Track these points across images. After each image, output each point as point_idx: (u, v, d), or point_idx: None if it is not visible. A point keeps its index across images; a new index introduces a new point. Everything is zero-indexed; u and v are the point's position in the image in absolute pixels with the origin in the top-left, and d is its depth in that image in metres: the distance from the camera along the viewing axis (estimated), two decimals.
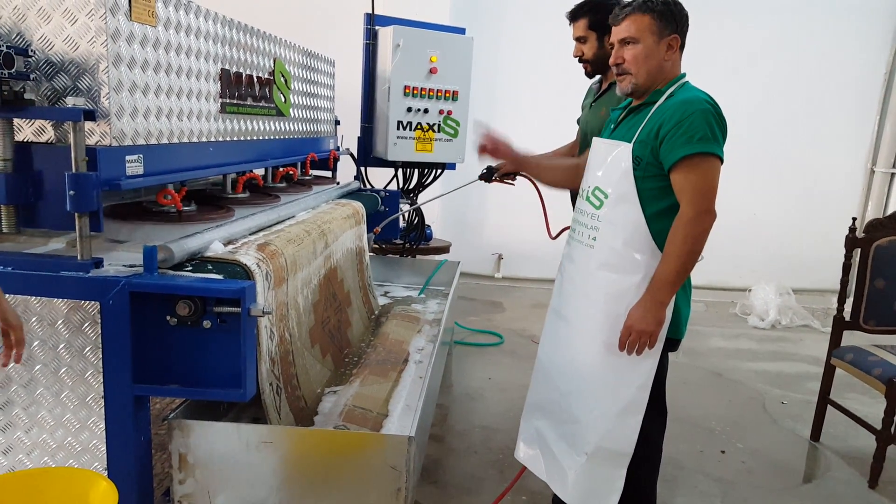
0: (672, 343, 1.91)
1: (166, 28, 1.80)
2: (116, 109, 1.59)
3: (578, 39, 2.57)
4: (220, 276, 1.69)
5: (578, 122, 2.94)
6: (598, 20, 2.49)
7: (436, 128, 3.84)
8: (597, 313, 1.91)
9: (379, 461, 1.66)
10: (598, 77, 2.79)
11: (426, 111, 3.77)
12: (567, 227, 2.45)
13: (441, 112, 3.82)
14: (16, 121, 1.57)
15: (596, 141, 2.01)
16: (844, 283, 3.06)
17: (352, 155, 4.01)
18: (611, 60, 1.96)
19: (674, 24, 1.85)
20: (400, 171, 4.10)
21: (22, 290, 1.54)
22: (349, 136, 4.06)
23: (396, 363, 2.74)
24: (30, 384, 1.59)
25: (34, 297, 1.55)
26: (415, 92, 3.71)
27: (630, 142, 1.83)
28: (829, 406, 3.08)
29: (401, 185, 4.15)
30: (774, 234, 5.99)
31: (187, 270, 1.70)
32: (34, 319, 1.56)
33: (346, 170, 4.01)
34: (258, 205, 2.50)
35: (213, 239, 1.86)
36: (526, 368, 3.87)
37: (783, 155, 5.88)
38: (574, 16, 2.57)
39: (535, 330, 4.56)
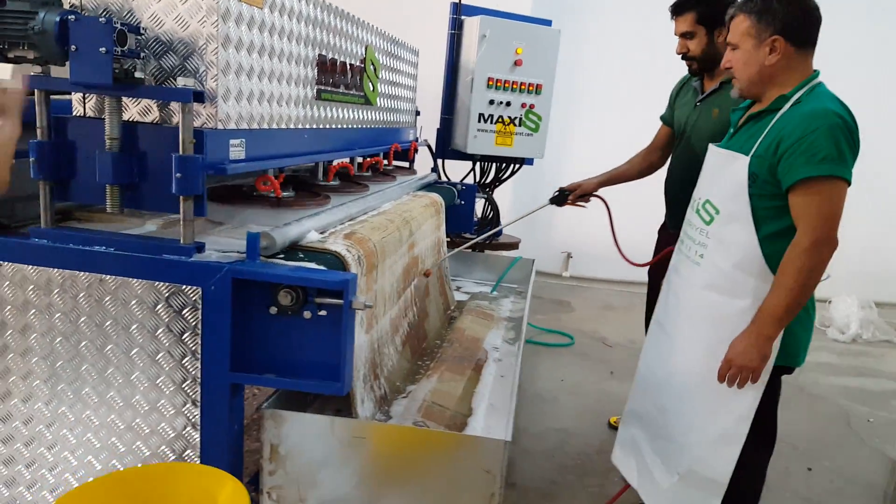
0: (787, 369, 1.76)
1: (271, 10, 1.76)
2: (223, 92, 1.56)
3: (684, 35, 2.41)
4: (318, 266, 1.64)
5: (664, 118, 2.80)
6: (708, 13, 2.34)
7: (517, 122, 3.74)
8: (699, 335, 1.78)
9: (473, 464, 1.59)
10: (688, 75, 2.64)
11: (508, 104, 3.68)
12: (663, 254, 2.32)
13: (523, 105, 3.72)
14: (123, 99, 1.55)
15: (712, 150, 1.87)
16: None
17: (429, 146, 3.94)
18: (722, 64, 1.83)
19: (775, 23, 1.66)
20: (477, 164, 4.02)
21: (123, 271, 1.53)
22: (426, 127, 4.00)
23: (473, 360, 2.67)
24: (126, 367, 1.57)
25: (135, 279, 1.53)
26: (498, 84, 3.61)
27: (748, 154, 1.68)
28: None
29: (477, 179, 4.07)
30: (857, 246, 5.65)
31: (279, 258, 1.66)
32: (134, 302, 1.54)
33: (421, 161, 3.96)
34: (349, 193, 2.46)
35: (309, 228, 1.82)
36: (599, 372, 3.78)
37: (869, 164, 5.51)
38: (679, 9, 2.41)
39: (605, 332, 4.42)
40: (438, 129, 3.94)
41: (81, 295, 1.55)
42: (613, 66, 5.45)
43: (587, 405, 3.19)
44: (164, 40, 1.53)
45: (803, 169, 1.56)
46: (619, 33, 5.37)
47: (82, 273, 1.54)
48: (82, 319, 1.57)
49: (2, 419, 1.64)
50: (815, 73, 1.71)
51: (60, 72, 1.54)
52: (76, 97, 1.59)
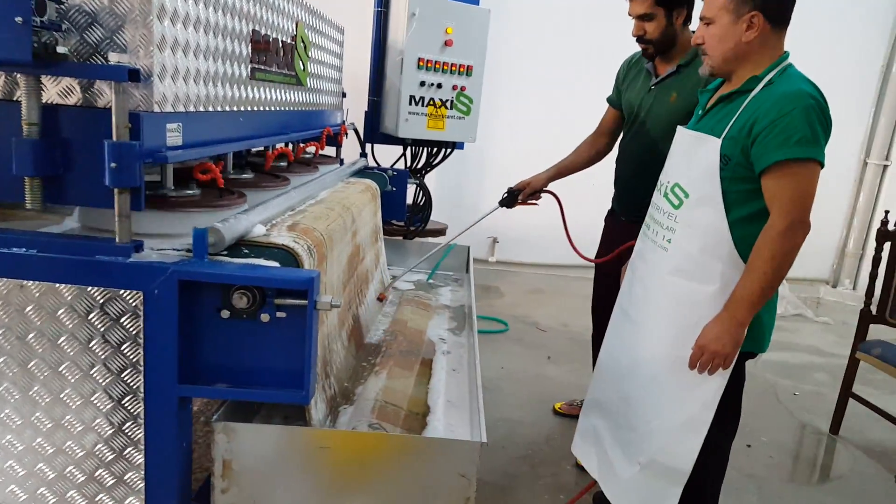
0: (751, 355, 1.79)
1: None
2: (159, 70, 1.38)
3: (641, 17, 2.38)
4: (267, 262, 1.50)
5: (611, 100, 2.79)
6: None
7: (448, 104, 3.66)
8: (666, 321, 1.78)
9: (447, 468, 1.52)
10: (638, 53, 2.63)
11: (440, 86, 3.59)
12: (625, 247, 2.32)
13: (455, 87, 3.63)
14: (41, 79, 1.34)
15: (681, 131, 1.86)
16: (874, 277, 3.02)
17: (356, 131, 3.79)
18: (692, 40, 1.81)
19: None
20: (408, 149, 3.91)
21: (49, 276, 1.33)
22: (351, 110, 3.85)
23: (419, 354, 2.59)
24: (55, 384, 1.38)
25: (63, 284, 1.34)
26: (429, 65, 3.51)
27: (719, 136, 1.67)
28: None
29: (407, 164, 3.96)
30: None
31: (223, 255, 1.51)
32: (62, 311, 1.35)
33: (346, 146, 3.80)
34: (270, 188, 2.27)
35: (254, 221, 1.67)
36: (536, 357, 3.80)
37: None
38: None
39: (537, 316, 4.46)
40: (366, 112, 3.79)
41: None
42: (537, 45, 5.46)
43: (530, 392, 3.19)
44: (87, 10, 1.33)
45: (778, 152, 1.56)
46: (541, 11, 5.37)
47: None
48: None
49: None
50: (786, 54, 1.70)
51: None
52: None
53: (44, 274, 1.33)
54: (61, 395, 1.39)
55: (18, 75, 1.27)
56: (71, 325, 1.36)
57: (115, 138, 1.28)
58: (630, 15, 2.43)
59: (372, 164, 3.84)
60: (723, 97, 1.76)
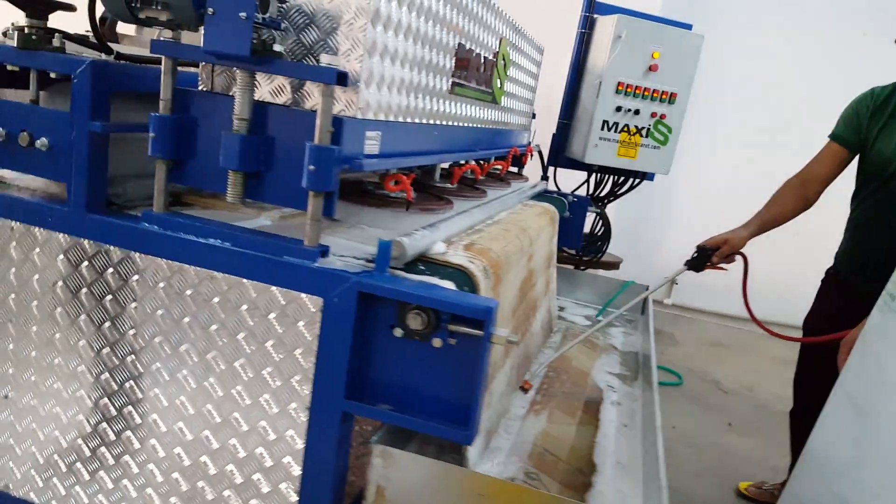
0: None
1: None
2: (366, 76, 1.35)
3: None
4: (442, 281, 1.41)
5: (840, 138, 2.37)
6: None
7: (644, 132, 3.41)
8: None
9: None
10: (890, 87, 2.23)
11: (637, 112, 3.35)
12: (833, 337, 1.94)
13: (653, 115, 3.38)
14: (256, 76, 1.36)
15: None
16: None
17: (540, 153, 3.67)
18: None
19: None
20: (593, 175, 3.71)
21: (237, 270, 1.34)
22: (539, 131, 3.73)
23: (583, 398, 2.38)
24: (228, 379, 1.39)
25: (249, 281, 1.34)
26: (628, 90, 3.30)
27: None
28: None
29: (590, 192, 3.76)
30: None
31: (399, 270, 1.44)
32: (245, 307, 1.35)
33: (529, 167, 3.69)
34: (468, 198, 2.22)
35: (436, 238, 1.59)
36: (714, 422, 3.39)
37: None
38: None
39: (717, 374, 4.02)
40: (554, 135, 3.66)
41: (189, 292, 1.38)
42: (752, 76, 5.01)
43: (707, 463, 2.83)
44: (307, 11, 1.33)
45: None
46: (756, 40, 4.92)
47: (192, 267, 1.37)
48: (186, 319, 1.39)
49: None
50: None
51: (190, 38, 1.37)
52: (205, 69, 1.41)
53: (233, 267, 1.34)
54: (232, 391, 1.39)
55: (236, 70, 1.29)
56: (252, 323, 1.35)
57: (316, 141, 1.25)
58: None
59: (552, 187, 3.69)
60: None
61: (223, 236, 1.36)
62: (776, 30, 5.02)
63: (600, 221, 3.80)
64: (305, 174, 1.26)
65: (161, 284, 1.39)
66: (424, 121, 1.76)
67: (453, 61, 1.90)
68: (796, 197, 2.41)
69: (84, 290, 1.45)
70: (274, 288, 1.32)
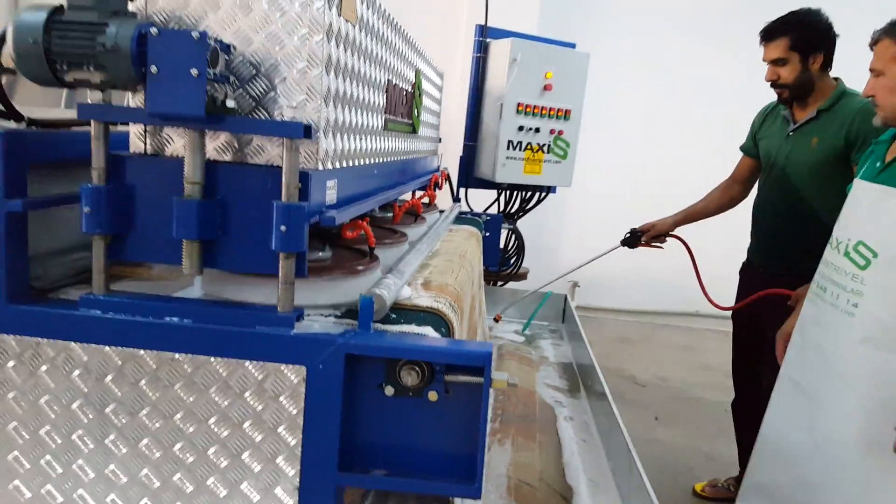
0: None
1: (360, 28, 1.49)
2: (324, 125, 1.27)
3: (775, 62, 2.25)
4: (418, 328, 1.36)
5: (746, 149, 2.68)
6: (802, 39, 2.19)
7: (545, 148, 3.52)
8: (856, 397, 1.56)
9: None
10: (773, 103, 2.49)
11: (537, 130, 3.46)
12: (764, 294, 2.18)
13: (552, 132, 3.50)
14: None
15: (862, 185, 1.67)
16: None
17: (448, 177, 3.69)
18: (864, 91, 1.67)
19: None
20: (503, 193, 3.78)
21: (203, 349, 1.21)
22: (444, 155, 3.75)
23: (536, 419, 2.40)
24: (201, 470, 1.25)
25: (217, 358, 1.22)
26: (528, 110, 3.39)
27: None
28: None
29: (501, 209, 3.83)
30: None
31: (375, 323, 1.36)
32: (215, 388, 1.22)
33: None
34: (390, 245, 2.14)
35: (401, 283, 1.53)
36: (643, 418, 3.53)
37: None
38: (770, 35, 2.25)
39: (631, 368, 4.21)
40: (461, 157, 3.69)
41: (144, 381, 1.23)
42: (631, 88, 5.35)
43: (654, 462, 2.93)
44: (253, 61, 1.24)
45: None
46: (634, 53, 5.27)
47: (146, 352, 1.22)
48: (144, 411, 1.24)
49: None
50: None
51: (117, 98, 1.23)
52: (135, 130, 1.26)
53: (198, 346, 1.22)
54: (207, 483, 1.25)
55: (182, 130, 1.17)
56: (224, 405, 1.23)
57: (284, 199, 1.16)
58: (764, 60, 2.32)
59: (464, 209, 3.71)
60: None
61: (181, 313, 1.23)
62: (641, 38, 5.40)
63: (513, 237, 3.87)
64: (275, 235, 1.17)
65: (109, 376, 1.23)
66: (366, 161, 1.70)
67: (384, 98, 1.85)
68: (721, 196, 2.76)
69: (12, 394, 1.25)
70: (248, 363, 1.21)
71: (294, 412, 1.22)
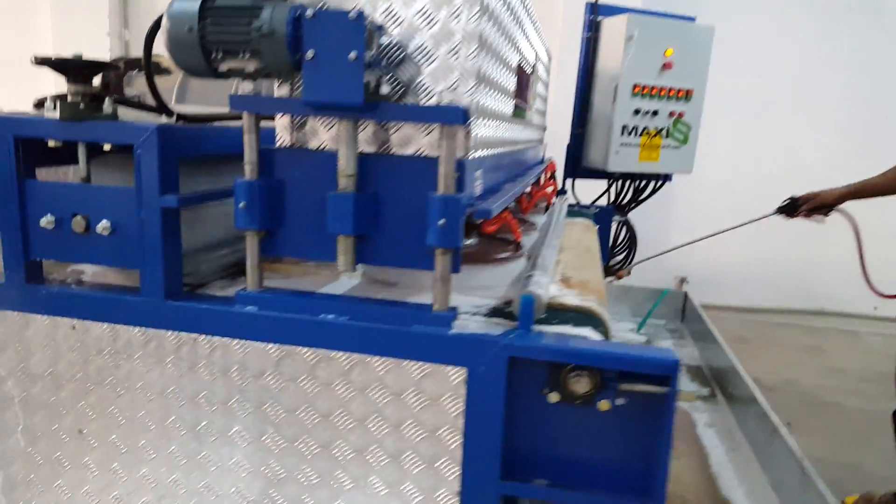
0: None
1: (503, 2, 1.39)
2: (475, 109, 1.19)
3: None
4: (575, 329, 1.25)
5: None
6: None
7: (664, 133, 3.31)
8: None
9: None
10: None
11: (655, 113, 3.25)
12: None
13: (671, 115, 3.29)
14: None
15: None
16: None
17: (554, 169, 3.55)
18: None
19: None
20: (615, 183, 3.60)
21: (360, 347, 1.16)
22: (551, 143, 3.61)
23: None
24: (359, 471, 1.20)
25: (375, 357, 1.16)
26: (644, 92, 3.20)
27: None
28: None
29: (611, 200, 3.64)
30: None
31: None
32: (373, 387, 1.17)
33: None
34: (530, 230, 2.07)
35: (546, 281, 1.43)
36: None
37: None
38: None
39: (753, 371, 3.91)
40: (568, 146, 3.54)
41: (303, 377, 1.19)
42: (759, 65, 5.01)
43: None
44: (402, 43, 1.17)
45: None
46: (762, 29, 4.93)
47: (304, 349, 1.18)
48: (300, 409, 1.20)
49: None
50: None
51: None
52: (282, 122, 1.23)
53: (355, 344, 1.17)
54: (365, 483, 1.20)
55: (336, 121, 1.11)
56: (381, 404, 1.17)
57: (441, 190, 1.09)
58: None
59: (572, 200, 3.56)
60: None
61: (336, 310, 1.18)
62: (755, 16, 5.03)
63: (624, 229, 3.68)
64: (432, 230, 1.09)
65: (268, 372, 1.20)
66: (499, 150, 1.61)
67: (514, 80, 1.75)
68: None
69: (172, 388, 1.25)
70: (406, 362, 1.15)
71: (454, 415, 1.15)
